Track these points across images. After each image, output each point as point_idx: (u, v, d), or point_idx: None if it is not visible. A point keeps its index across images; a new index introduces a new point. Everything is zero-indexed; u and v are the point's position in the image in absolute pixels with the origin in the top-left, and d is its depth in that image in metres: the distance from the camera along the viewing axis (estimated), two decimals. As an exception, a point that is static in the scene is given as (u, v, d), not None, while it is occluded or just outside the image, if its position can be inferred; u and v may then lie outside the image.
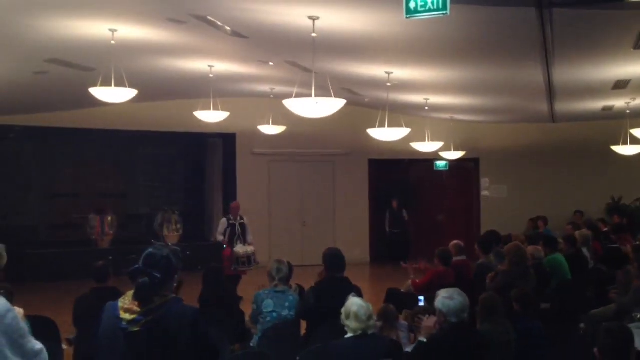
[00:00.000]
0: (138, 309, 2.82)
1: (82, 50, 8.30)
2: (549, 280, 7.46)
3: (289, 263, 5.67)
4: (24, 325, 3.07)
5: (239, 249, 9.99)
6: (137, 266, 2.90)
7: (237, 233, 10.23)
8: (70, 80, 9.97)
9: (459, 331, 4.10)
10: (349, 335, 4.07)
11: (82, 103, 11.69)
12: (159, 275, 2.84)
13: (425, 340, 4.30)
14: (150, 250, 2.98)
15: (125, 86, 8.03)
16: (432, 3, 4.96)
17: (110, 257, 12.31)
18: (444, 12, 4.93)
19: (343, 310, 4.11)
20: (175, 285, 3.01)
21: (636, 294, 5.92)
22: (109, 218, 13.87)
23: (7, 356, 2.89)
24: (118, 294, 3.12)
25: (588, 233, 9.66)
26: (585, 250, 8.98)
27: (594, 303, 6.77)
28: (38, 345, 3.07)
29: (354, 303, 4.10)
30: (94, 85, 8.00)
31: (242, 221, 10.39)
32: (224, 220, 10.52)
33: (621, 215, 13.81)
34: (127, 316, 2.82)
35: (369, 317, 4.07)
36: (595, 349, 3.45)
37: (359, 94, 12.00)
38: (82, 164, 14.51)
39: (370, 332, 4.07)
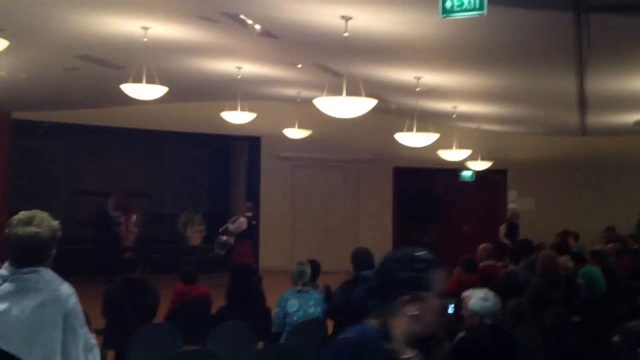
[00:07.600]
0: None
1: (114, 47, 8.33)
2: (579, 292, 7.29)
3: (315, 261, 5.58)
4: (83, 315, 2.88)
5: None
6: None
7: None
8: (101, 78, 10.03)
9: (495, 332, 4.01)
10: None
11: (111, 101, 11.77)
12: None
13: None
14: None
15: (156, 84, 8.05)
16: (469, 2, 4.85)
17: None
18: (481, 11, 4.80)
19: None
20: None
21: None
22: (134, 216, 13.94)
23: (67, 343, 2.69)
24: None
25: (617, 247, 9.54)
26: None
27: (625, 318, 6.57)
28: (93, 339, 2.92)
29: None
30: (124, 83, 8.03)
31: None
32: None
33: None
34: None
35: None
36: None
37: (387, 99, 11.91)
38: (109, 162, 14.60)
39: None
